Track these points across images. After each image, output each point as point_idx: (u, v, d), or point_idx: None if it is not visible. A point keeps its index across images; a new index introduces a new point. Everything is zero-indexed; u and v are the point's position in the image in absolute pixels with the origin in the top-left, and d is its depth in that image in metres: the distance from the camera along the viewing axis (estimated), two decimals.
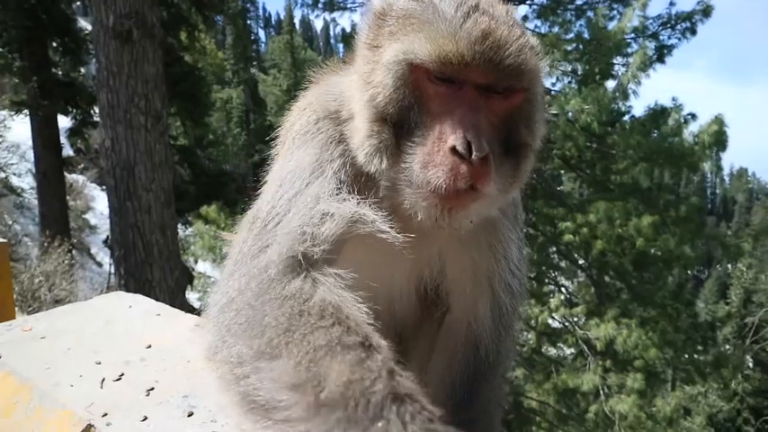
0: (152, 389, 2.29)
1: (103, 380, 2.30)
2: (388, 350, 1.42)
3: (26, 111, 20.34)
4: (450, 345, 1.96)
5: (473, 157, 1.44)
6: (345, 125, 1.74)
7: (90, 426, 2.02)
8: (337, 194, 1.66)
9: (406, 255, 1.74)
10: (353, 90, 1.70)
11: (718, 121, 16.08)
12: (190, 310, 3.44)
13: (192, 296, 21.29)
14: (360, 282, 1.75)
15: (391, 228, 1.62)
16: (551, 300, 18.81)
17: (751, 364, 29.87)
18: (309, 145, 1.75)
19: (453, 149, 1.46)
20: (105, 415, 2.06)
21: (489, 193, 1.53)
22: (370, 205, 1.64)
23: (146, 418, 2.10)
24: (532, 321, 17.60)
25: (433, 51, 1.49)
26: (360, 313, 1.51)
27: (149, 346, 2.64)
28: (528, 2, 18.26)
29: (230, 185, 21.47)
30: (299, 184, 1.69)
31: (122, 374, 2.37)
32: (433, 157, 1.49)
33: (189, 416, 2.17)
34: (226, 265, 1.89)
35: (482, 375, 1.90)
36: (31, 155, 22.37)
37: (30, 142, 21.46)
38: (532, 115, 1.66)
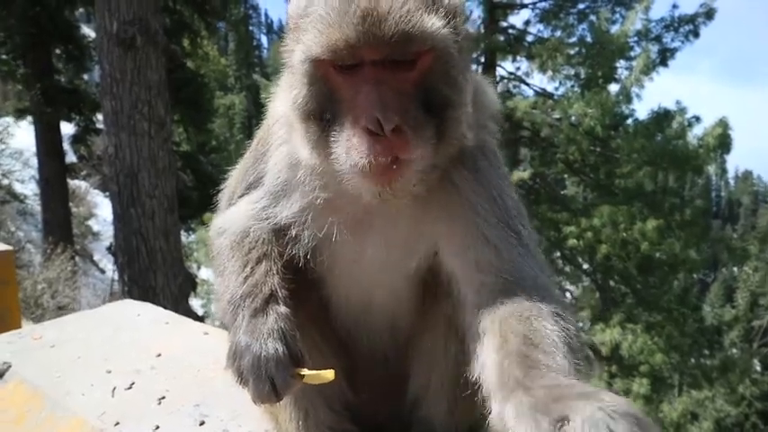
0: (163, 398, 2.26)
1: (114, 388, 2.28)
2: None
3: (30, 117, 20.41)
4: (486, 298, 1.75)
5: (385, 131, 1.49)
6: (292, 127, 1.83)
7: None
8: (264, 205, 1.92)
9: (383, 244, 1.85)
10: (285, 94, 1.81)
11: (723, 123, 16.06)
12: (194, 316, 3.42)
13: (195, 303, 21.29)
14: (342, 282, 1.95)
15: (329, 222, 1.81)
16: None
17: (759, 368, 29.74)
18: (263, 152, 2.00)
19: (366, 129, 1.51)
20: (117, 424, 2.04)
21: (416, 157, 1.57)
22: (300, 208, 1.85)
23: (158, 427, 2.07)
24: None
25: (324, 43, 1.56)
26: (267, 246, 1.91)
27: (159, 355, 2.62)
28: (530, 6, 18.29)
29: None
30: (251, 184, 2.00)
31: (133, 383, 2.34)
32: (352, 142, 1.56)
33: (201, 425, 2.15)
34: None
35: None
36: (34, 161, 22.42)
37: (33, 149, 21.52)
38: (448, 72, 1.65)
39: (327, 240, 1.84)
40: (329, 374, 1.65)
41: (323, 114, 1.64)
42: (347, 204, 1.78)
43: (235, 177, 2.15)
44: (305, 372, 1.66)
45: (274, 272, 1.81)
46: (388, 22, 1.51)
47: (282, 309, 1.74)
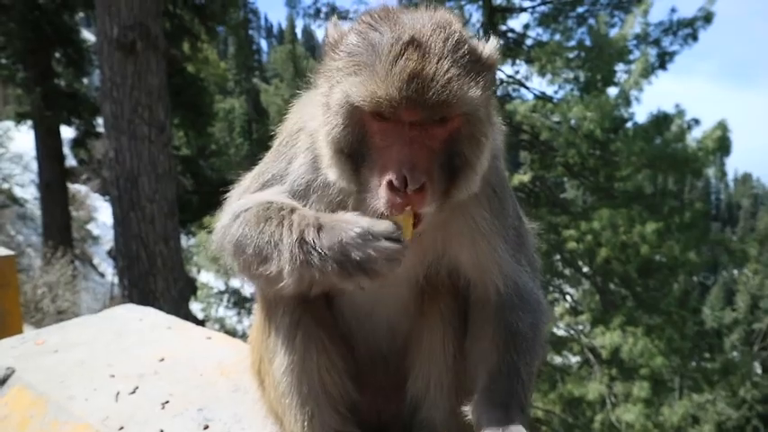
0: (167, 402, 2.27)
1: (118, 393, 2.28)
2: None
3: (30, 121, 20.42)
4: (487, 318, 2.00)
5: (408, 190, 1.61)
6: (315, 138, 1.90)
7: None
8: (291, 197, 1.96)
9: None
10: (317, 119, 1.85)
11: (722, 126, 16.08)
12: (194, 320, 3.42)
13: (195, 307, 21.27)
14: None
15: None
16: (556, 308, 18.76)
17: (759, 371, 29.71)
18: (287, 153, 2.04)
19: (390, 184, 1.63)
20: (122, 428, 2.05)
21: (428, 211, 1.71)
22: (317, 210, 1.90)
23: None
24: None
25: (367, 96, 1.63)
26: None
27: (162, 359, 2.62)
28: (529, 10, 18.34)
29: None
30: (269, 184, 2.03)
31: (137, 387, 2.35)
32: (377, 189, 1.68)
33: (204, 428, 2.15)
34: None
35: (531, 331, 1.98)
36: (34, 165, 22.42)
37: (33, 153, 21.51)
38: (473, 134, 1.76)
39: None
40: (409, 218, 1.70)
41: (354, 154, 1.74)
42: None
43: (250, 176, 2.17)
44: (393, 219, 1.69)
45: (311, 210, 1.86)
46: (432, 88, 1.60)
47: (337, 213, 1.79)
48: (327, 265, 1.64)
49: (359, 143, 1.72)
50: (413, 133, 1.65)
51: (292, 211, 1.81)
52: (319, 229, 1.70)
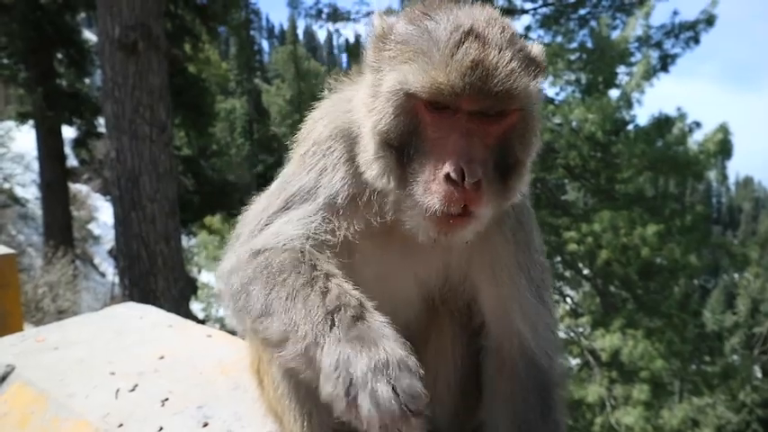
0: (166, 399, 2.27)
1: (118, 390, 2.29)
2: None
3: (31, 121, 20.45)
4: (508, 373, 1.93)
5: (465, 183, 1.52)
6: (356, 142, 1.79)
7: None
8: (320, 222, 1.79)
9: (413, 266, 1.89)
10: (361, 112, 1.76)
11: (723, 129, 16.09)
12: (194, 320, 3.42)
13: (195, 306, 21.27)
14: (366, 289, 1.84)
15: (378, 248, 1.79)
16: (557, 312, 18.72)
17: (759, 375, 29.68)
18: (317, 164, 1.86)
19: (448, 177, 1.53)
20: (121, 425, 2.05)
21: (482, 214, 1.61)
22: (356, 228, 1.77)
23: (161, 429, 2.08)
24: None
25: (426, 83, 1.55)
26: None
27: (162, 357, 2.62)
28: (531, 12, 18.36)
29: (234, 195, 21.49)
30: (298, 199, 1.84)
31: (136, 385, 2.35)
32: (431, 184, 1.58)
33: (204, 426, 2.15)
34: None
35: (548, 394, 1.93)
36: (35, 165, 22.44)
37: (34, 152, 21.54)
38: (526, 132, 1.72)
39: (369, 254, 1.83)
40: None
41: (404, 145, 1.63)
42: (396, 228, 1.76)
43: (268, 193, 2.00)
44: None
45: (350, 286, 1.62)
46: (494, 77, 1.54)
47: (381, 316, 1.54)
48: (328, 360, 1.42)
49: (409, 135, 1.63)
50: (470, 125, 1.59)
51: (328, 275, 1.63)
52: (358, 318, 1.49)
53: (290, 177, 1.90)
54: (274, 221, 1.83)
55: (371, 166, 1.69)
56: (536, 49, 1.73)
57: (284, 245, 1.72)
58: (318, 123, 1.94)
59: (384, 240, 1.83)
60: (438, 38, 1.58)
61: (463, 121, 1.58)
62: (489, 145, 1.63)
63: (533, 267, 1.93)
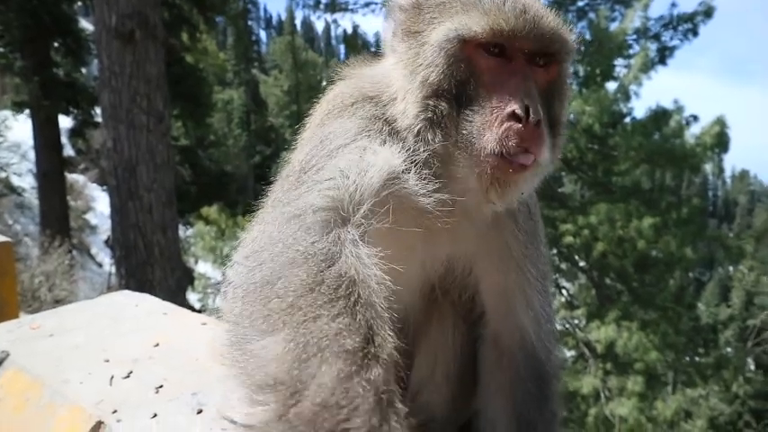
0: (161, 386, 2.28)
1: (112, 377, 2.30)
2: (390, 361, 1.33)
3: (27, 110, 20.36)
4: (507, 363, 1.94)
5: (530, 119, 1.54)
6: (385, 108, 1.78)
7: (100, 422, 2.01)
8: (384, 146, 1.68)
9: (421, 254, 1.84)
10: (396, 77, 1.77)
11: (720, 122, 16.12)
12: (191, 310, 3.44)
13: (192, 297, 21.30)
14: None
15: (432, 196, 1.64)
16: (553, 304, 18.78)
17: (753, 367, 29.89)
18: (349, 118, 1.78)
19: (512, 114, 1.55)
20: (115, 412, 2.06)
21: (541, 162, 1.62)
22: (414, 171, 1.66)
23: (155, 415, 2.09)
24: None
25: (486, 24, 1.61)
26: (377, 298, 1.43)
27: (157, 345, 2.63)
28: None
29: (231, 186, 21.50)
30: (343, 140, 1.69)
31: (131, 372, 2.36)
32: (493, 124, 1.58)
33: (198, 413, 2.16)
34: (257, 217, 1.77)
35: (546, 385, 1.93)
36: (31, 155, 22.35)
37: (31, 142, 21.44)
38: (564, 90, 1.80)
39: (378, 239, 1.67)
40: None
41: (457, 94, 1.64)
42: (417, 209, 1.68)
43: (280, 188, 1.77)
44: None
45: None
46: (545, 20, 1.66)
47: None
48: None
49: (463, 84, 1.64)
50: (525, 69, 1.65)
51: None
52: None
53: (317, 134, 1.80)
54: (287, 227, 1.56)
55: (415, 122, 1.67)
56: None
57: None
58: (336, 98, 1.90)
59: (397, 224, 1.73)
60: None
61: (519, 63, 1.65)
62: (539, 93, 1.67)
63: (540, 258, 1.94)
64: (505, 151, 1.55)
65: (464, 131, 1.62)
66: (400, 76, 1.74)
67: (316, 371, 1.25)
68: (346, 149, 1.67)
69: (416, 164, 1.67)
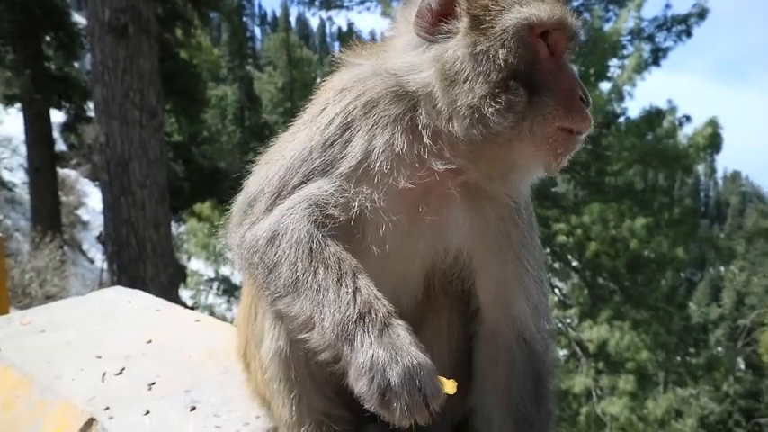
0: (153, 383, 2.27)
1: (105, 374, 2.28)
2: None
3: (19, 104, 20.18)
4: (504, 359, 1.96)
5: (588, 102, 1.79)
6: (417, 100, 1.83)
7: (92, 419, 1.99)
8: (337, 197, 1.79)
9: (421, 247, 1.89)
10: (453, 62, 1.78)
11: (713, 123, 16.21)
12: (184, 307, 3.42)
13: (185, 294, 21.21)
14: (370, 267, 1.81)
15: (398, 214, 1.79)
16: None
17: (742, 366, 30.12)
18: (342, 135, 1.85)
19: (582, 99, 1.77)
20: (107, 408, 2.04)
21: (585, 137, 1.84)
22: (380, 192, 1.78)
23: (148, 412, 2.08)
24: None
25: (552, 14, 1.76)
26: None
27: (150, 341, 2.62)
28: None
29: (224, 183, 21.35)
30: (301, 174, 1.84)
31: (123, 368, 2.34)
32: (569, 106, 1.75)
33: (191, 410, 2.15)
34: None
35: (542, 382, 1.97)
36: (23, 149, 22.19)
37: (22, 136, 21.28)
38: None
39: (380, 233, 1.83)
40: (454, 387, 1.66)
41: (525, 78, 1.75)
42: (420, 193, 1.83)
43: (288, 161, 1.91)
44: (443, 380, 1.65)
45: (375, 287, 1.70)
46: (575, 16, 1.85)
47: (403, 323, 1.66)
48: (362, 359, 1.57)
49: (529, 68, 1.76)
50: (567, 61, 1.85)
51: (356, 273, 1.69)
52: (387, 325, 1.61)
53: (312, 148, 1.87)
54: (294, 195, 1.83)
55: (484, 109, 1.73)
56: None
57: (307, 231, 1.75)
58: (345, 94, 1.91)
59: (397, 219, 1.83)
60: None
61: (564, 58, 1.84)
62: None
63: (536, 248, 2.00)
64: (576, 129, 1.77)
65: (533, 112, 1.74)
66: (460, 60, 1.77)
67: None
68: (312, 196, 1.81)
69: (440, 150, 1.81)
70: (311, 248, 1.72)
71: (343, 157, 1.83)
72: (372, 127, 1.84)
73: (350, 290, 1.65)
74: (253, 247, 1.80)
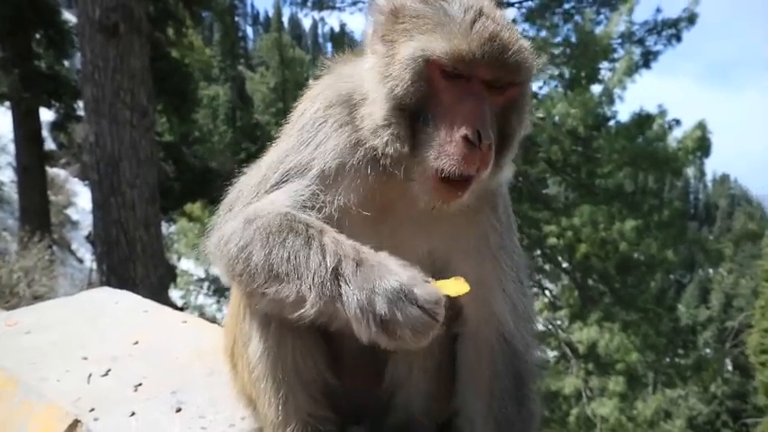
0: (140, 384, 2.26)
1: (90, 375, 2.27)
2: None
3: (7, 103, 19.99)
4: (486, 360, 1.97)
5: (482, 144, 1.63)
6: (357, 108, 1.87)
7: (77, 421, 1.98)
8: (313, 192, 1.85)
9: (397, 250, 1.83)
10: (369, 80, 1.84)
11: (701, 126, 16.35)
12: (173, 308, 3.41)
13: (175, 294, 21.10)
14: None
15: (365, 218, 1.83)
16: (535, 303, 18.94)
17: (730, 368, 30.41)
18: (314, 137, 1.91)
19: (465, 138, 1.64)
20: (93, 410, 2.03)
21: (485, 177, 1.73)
22: (346, 202, 1.83)
23: (133, 414, 2.07)
24: None
25: (449, 49, 1.67)
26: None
27: (136, 342, 2.61)
28: (516, 5, 18.39)
29: (215, 183, 21.26)
30: (294, 173, 1.89)
31: (109, 370, 2.33)
32: (447, 146, 1.66)
33: (177, 411, 2.15)
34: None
35: (524, 382, 1.98)
36: (11, 148, 21.96)
37: (11, 135, 21.05)
38: (523, 107, 1.87)
39: (353, 225, 1.86)
40: (464, 286, 1.63)
41: (417, 111, 1.72)
42: (390, 196, 1.86)
43: (263, 165, 2.01)
44: (443, 283, 1.61)
45: (342, 236, 1.71)
46: (509, 49, 1.71)
47: (374, 252, 1.65)
48: (353, 311, 1.54)
49: (424, 101, 1.72)
50: (482, 93, 1.71)
51: (322, 232, 1.69)
52: (359, 264, 1.60)
53: (288, 151, 1.94)
54: (270, 194, 1.88)
55: (381, 132, 1.76)
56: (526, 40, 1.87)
57: (278, 211, 1.77)
58: (315, 101, 1.99)
59: (370, 222, 1.86)
60: (455, 14, 1.72)
61: (477, 88, 1.71)
62: (493, 115, 1.74)
63: (515, 250, 2.01)
64: (454, 173, 1.66)
65: (421, 149, 1.71)
66: (372, 81, 1.82)
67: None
68: (291, 191, 1.86)
69: (375, 164, 1.82)
70: (280, 222, 1.73)
71: (313, 159, 1.88)
72: (330, 129, 1.90)
73: (318, 250, 1.64)
74: (230, 237, 1.80)
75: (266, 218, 1.75)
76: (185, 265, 23.46)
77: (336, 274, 1.59)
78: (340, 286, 1.57)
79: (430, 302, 1.52)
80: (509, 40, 1.71)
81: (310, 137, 1.92)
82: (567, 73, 17.11)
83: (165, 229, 20.23)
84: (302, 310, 1.63)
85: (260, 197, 1.90)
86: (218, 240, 1.86)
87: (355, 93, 1.89)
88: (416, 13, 1.77)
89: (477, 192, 1.79)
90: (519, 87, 1.81)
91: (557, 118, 16.74)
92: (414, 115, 1.73)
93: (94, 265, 16.19)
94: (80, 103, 18.12)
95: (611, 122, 17.81)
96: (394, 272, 1.57)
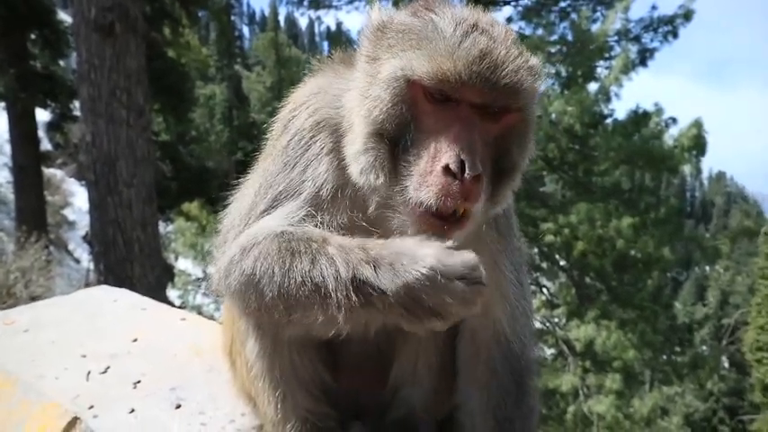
0: (139, 381, 2.26)
1: (89, 372, 2.27)
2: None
3: (3, 103, 19.93)
4: (484, 357, 1.96)
5: (465, 176, 1.45)
6: (341, 134, 1.74)
7: (76, 418, 1.98)
8: (305, 215, 1.73)
9: None
10: (352, 101, 1.69)
11: (697, 124, 16.39)
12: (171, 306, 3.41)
13: (172, 294, 21.08)
14: None
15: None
16: (533, 300, 18.95)
17: (727, 365, 30.53)
18: (301, 158, 1.79)
19: (446, 168, 1.46)
20: (92, 407, 2.04)
21: (475, 212, 1.55)
22: (336, 224, 1.72)
23: (133, 411, 2.07)
24: None
25: (431, 69, 1.49)
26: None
27: (135, 340, 2.61)
28: (512, 3, 18.40)
29: (212, 182, 21.30)
30: (284, 197, 1.78)
31: (108, 367, 2.33)
32: (427, 177, 1.50)
33: (176, 408, 2.15)
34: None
35: (523, 379, 1.97)
36: (7, 148, 21.91)
37: (7, 135, 21.02)
38: (525, 136, 1.68)
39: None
40: None
41: (398, 136, 1.56)
42: (379, 226, 1.70)
43: (250, 192, 1.89)
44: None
45: (345, 239, 1.59)
46: (502, 69, 1.50)
47: (383, 243, 1.52)
48: (394, 310, 1.43)
49: (405, 126, 1.54)
50: (471, 118, 1.52)
51: (325, 241, 1.56)
52: (375, 265, 1.46)
53: (275, 174, 1.82)
54: (260, 221, 1.77)
55: (359, 160, 1.61)
56: (534, 59, 1.68)
57: (274, 233, 1.66)
58: (300, 111, 1.86)
59: (365, 235, 1.76)
60: (444, 28, 1.53)
61: (465, 113, 1.53)
62: (487, 142, 1.57)
63: (514, 252, 1.97)
64: (436, 208, 1.49)
65: (401, 180, 1.55)
66: (355, 104, 1.66)
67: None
68: (284, 214, 1.75)
69: (348, 211, 1.72)
70: (278, 246, 1.60)
71: (303, 182, 1.77)
72: (319, 153, 1.77)
73: (328, 266, 1.50)
74: (228, 268, 1.69)
75: (263, 243, 1.63)
76: (183, 264, 23.43)
77: (357, 284, 1.46)
78: (370, 294, 1.45)
79: (468, 270, 1.43)
80: (504, 58, 1.51)
81: (297, 157, 1.80)
82: (563, 71, 17.12)
83: (163, 228, 20.19)
84: (336, 327, 1.54)
85: (251, 225, 1.78)
86: (219, 277, 1.77)
87: (339, 116, 1.76)
88: (403, 27, 1.60)
89: (471, 228, 1.62)
90: (518, 114, 1.61)
91: (553, 116, 16.77)
92: (394, 141, 1.56)
93: (92, 265, 16.16)
94: (76, 103, 18.07)
95: (608, 120, 17.83)
96: (416, 257, 1.43)
